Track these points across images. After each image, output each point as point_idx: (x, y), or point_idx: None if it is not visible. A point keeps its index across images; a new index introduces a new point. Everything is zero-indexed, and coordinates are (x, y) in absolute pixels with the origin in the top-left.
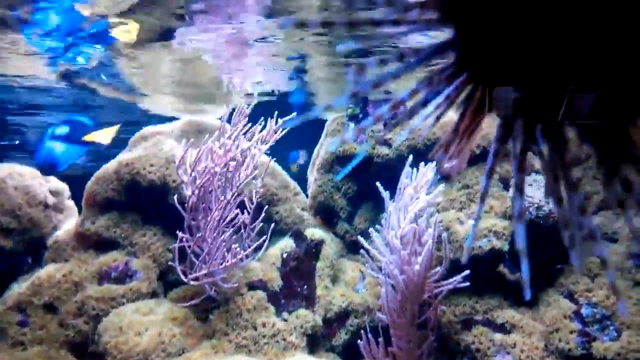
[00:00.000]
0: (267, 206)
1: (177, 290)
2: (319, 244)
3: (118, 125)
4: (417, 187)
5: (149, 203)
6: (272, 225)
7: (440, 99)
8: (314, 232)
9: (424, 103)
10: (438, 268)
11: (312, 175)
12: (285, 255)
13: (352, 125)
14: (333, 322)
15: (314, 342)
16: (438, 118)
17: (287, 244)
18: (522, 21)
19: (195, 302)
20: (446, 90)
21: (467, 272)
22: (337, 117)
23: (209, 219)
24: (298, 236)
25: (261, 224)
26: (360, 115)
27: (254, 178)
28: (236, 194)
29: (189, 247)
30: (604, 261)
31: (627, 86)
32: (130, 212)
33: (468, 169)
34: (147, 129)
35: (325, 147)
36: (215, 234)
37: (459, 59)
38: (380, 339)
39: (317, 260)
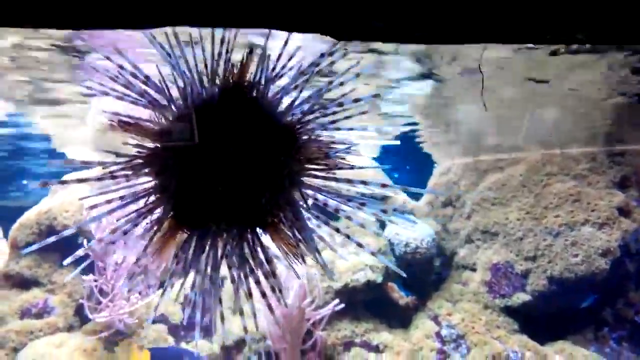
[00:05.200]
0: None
1: (91, 324)
2: (220, 279)
3: None
4: None
5: (66, 245)
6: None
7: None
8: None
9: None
10: (309, 299)
11: None
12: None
13: None
14: (232, 349)
15: None
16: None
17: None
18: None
19: (103, 334)
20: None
21: (336, 301)
22: None
23: (112, 261)
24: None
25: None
26: None
27: None
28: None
29: (96, 287)
30: None
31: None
32: (50, 253)
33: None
34: (68, 177)
35: None
36: (118, 275)
37: (159, 201)
38: None
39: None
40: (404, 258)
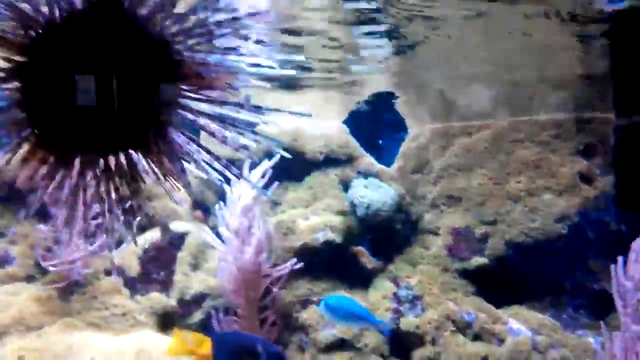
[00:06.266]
0: (145, 202)
1: (50, 275)
2: (182, 236)
3: None
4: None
5: (27, 196)
6: (137, 218)
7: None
8: (179, 225)
9: None
10: (264, 255)
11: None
12: (147, 245)
13: None
14: (190, 304)
15: (165, 321)
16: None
17: (153, 235)
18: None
19: (59, 285)
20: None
21: (294, 260)
22: None
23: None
24: (165, 228)
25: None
26: None
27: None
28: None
29: (49, 236)
30: None
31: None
32: (12, 204)
33: (314, 172)
34: None
35: None
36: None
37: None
38: (230, 317)
39: (179, 250)
40: (365, 220)
